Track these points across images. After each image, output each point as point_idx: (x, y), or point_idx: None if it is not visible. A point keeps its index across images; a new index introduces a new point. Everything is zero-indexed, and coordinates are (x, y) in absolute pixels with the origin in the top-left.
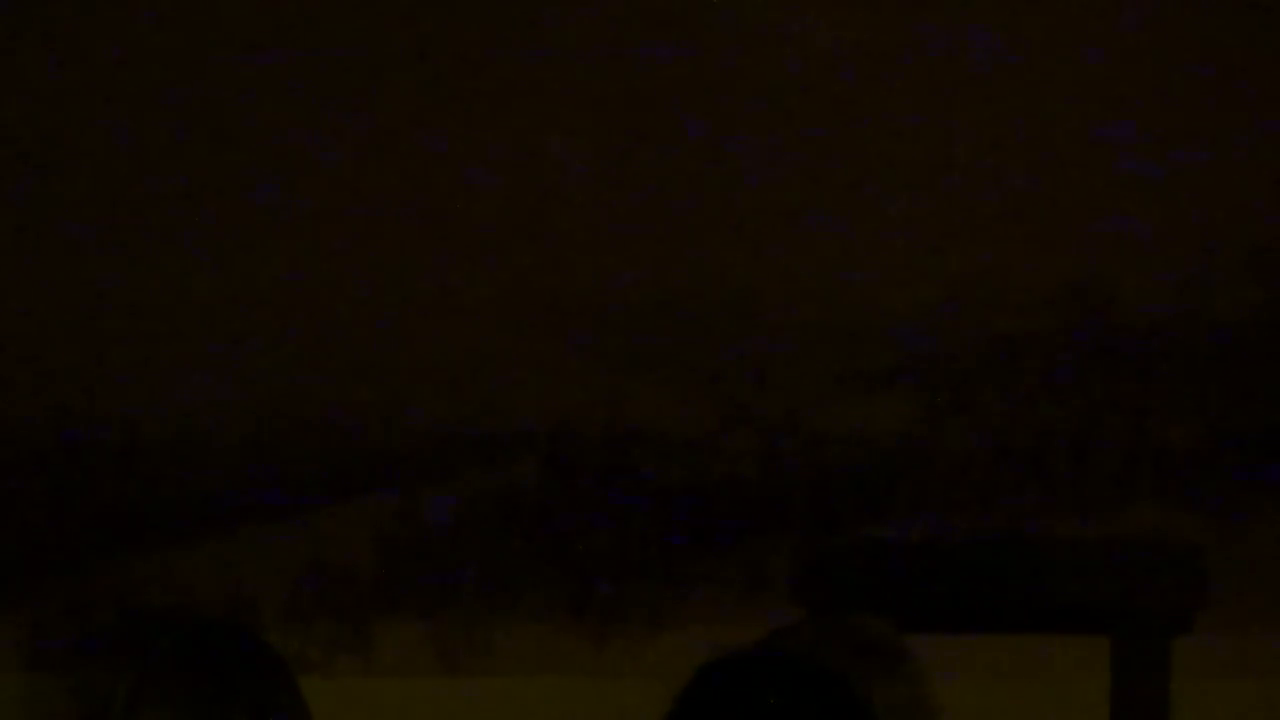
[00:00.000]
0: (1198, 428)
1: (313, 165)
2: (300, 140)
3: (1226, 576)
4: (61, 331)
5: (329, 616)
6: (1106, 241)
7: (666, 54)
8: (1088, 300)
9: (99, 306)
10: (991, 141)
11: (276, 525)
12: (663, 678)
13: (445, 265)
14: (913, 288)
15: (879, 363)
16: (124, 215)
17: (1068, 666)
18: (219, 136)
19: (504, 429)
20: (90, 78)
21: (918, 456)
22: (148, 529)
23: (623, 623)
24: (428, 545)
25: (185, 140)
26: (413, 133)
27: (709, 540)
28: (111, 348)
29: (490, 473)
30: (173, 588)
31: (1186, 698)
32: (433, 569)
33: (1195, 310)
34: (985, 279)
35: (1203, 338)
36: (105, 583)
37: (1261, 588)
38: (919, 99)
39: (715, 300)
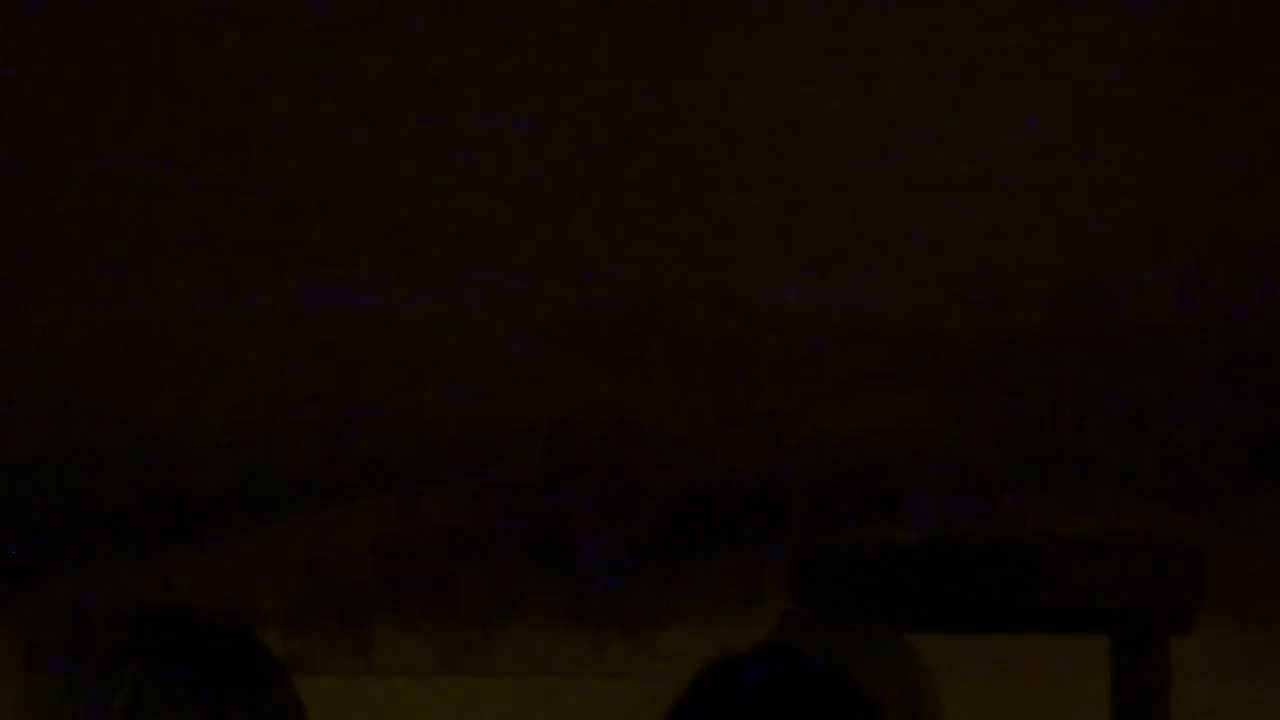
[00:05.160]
0: (1198, 428)
1: (315, 166)
2: (303, 141)
3: (1226, 576)
4: (62, 334)
5: (329, 616)
6: (1106, 241)
7: (669, 56)
8: (1088, 300)
9: (100, 310)
10: (992, 142)
11: (276, 525)
12: (663, 678)
13: (446, 267)
14: (913, 288)
15: (879, 363)
16: (125, 215)
17: (1068, 666)
18: (223, 136)
19: (504, 429)
20: (91, 77)
21: (918, 456)
22: (148, 529)
23: (623, 623)
24: (428, 545)
25: (188, 140)
26: (414, 136)
27: (709, 540)
28: (112, 349)
29: (490, 472)
30: (173, 588)
31: (1186, 698)
32: (433, 569)
33: (1195, 310)
34: (985, 279)
35: (1203, 338)
36: (105, 583)
37: (1261, 588)
38: (919, 101)
39: (717, 301)
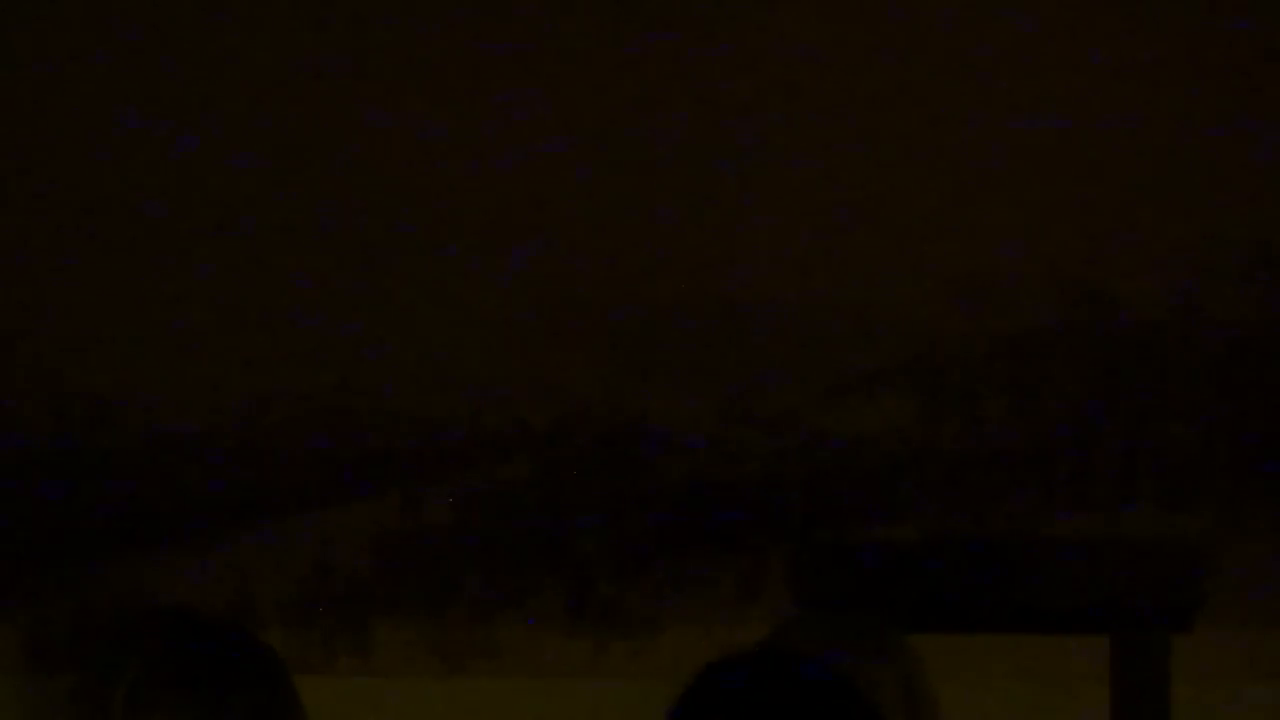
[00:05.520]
0: (1198, 428)
1: (313, 165)
2: (300, 139)
3: (1226, 576)
4: (62, 331)
5: (329, 616)
6: (1106, 241)
7: (665, 56)
8: (1088, 300)
9: (99, 306)
10: (991, 141)
11: (276, 525)
12: (663, 678)
13: (446, 265)
14: (913, 288)
15: (879, 363)
16: (124, 214)
17: (1068, 666)
18: (218, 134)
19: (504, 429)
20: (91, 75)
21: (918, 456)
22: (148, 529)
23: (623, 623)
24: (428, 545)
25: (185, 138)
26: (414, 132)
27: (709, 540)
28: (111, 348)
29: (490, 472)
30: (173, 588)
31: (1187, 698)
32: (433, 569)
33: (1195, 310)
34: (985, 279)
35: (1203, 338)
36: (105, 583)
37: (1261, 588)
38: (917, 100)
39: (716, 300)
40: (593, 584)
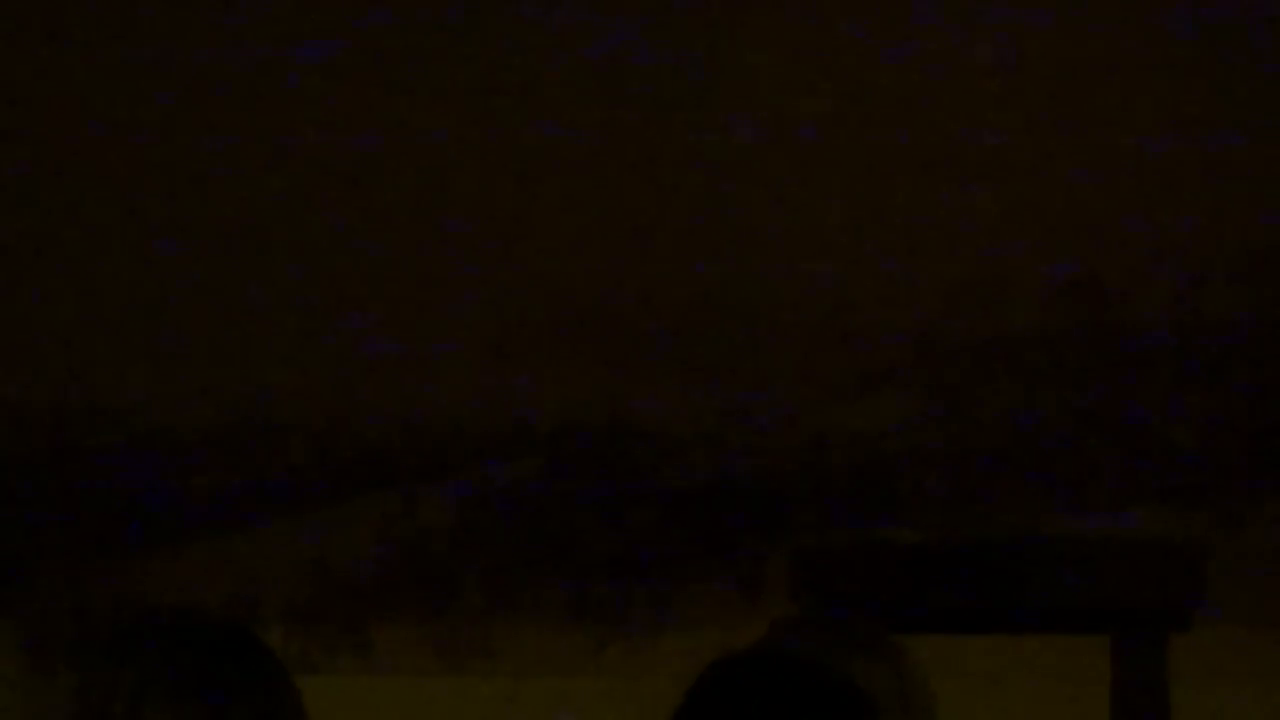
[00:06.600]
0: (1198, 428)
1: (314, 167)
2: (301, 141)
3: (1226, 576)
4: (61, 332)
5: (330, 616)
6: (1106, 241)
7: (670, 57)
8: (1088, 300)
9: (100, 307)
10: (992, 143)
11: (276, 525)
12: (663, 678)
13: (447, 267)
14: (913, 288)
15: (879, 363)
16: (125, 215)
17: (1068, 666)
18: (219, 138)
19: (504, 429)
20: (89, 78)
21: (918, 456)
22: (148, 529)
23: (623, 623)
24: (428, 545)
25: (186, 142)
26: (415, 134)
27: (709, 540)
28: (112, 349)
29: (490, 472)
30: (173, 588)
31: (1187, 698)
32: (433, 569)
33: (1195, 310)
34: (985, 279)
35: (1203, 338)
36: (105, 583)
37: (1261, 588)
38: (920, 102)
39: (716, 301)
40: (593, 584)
